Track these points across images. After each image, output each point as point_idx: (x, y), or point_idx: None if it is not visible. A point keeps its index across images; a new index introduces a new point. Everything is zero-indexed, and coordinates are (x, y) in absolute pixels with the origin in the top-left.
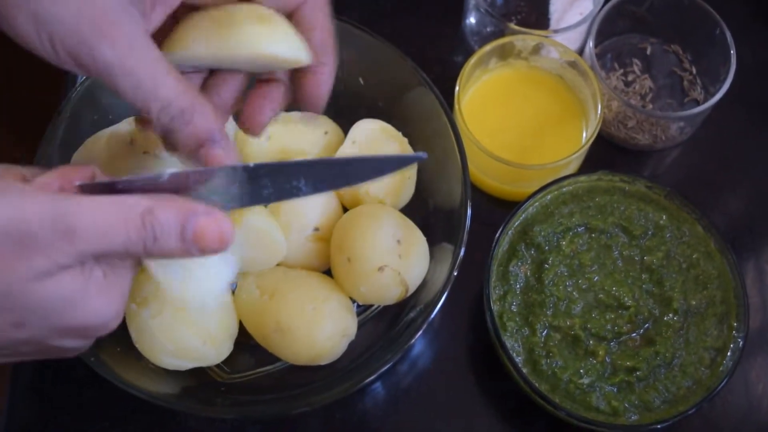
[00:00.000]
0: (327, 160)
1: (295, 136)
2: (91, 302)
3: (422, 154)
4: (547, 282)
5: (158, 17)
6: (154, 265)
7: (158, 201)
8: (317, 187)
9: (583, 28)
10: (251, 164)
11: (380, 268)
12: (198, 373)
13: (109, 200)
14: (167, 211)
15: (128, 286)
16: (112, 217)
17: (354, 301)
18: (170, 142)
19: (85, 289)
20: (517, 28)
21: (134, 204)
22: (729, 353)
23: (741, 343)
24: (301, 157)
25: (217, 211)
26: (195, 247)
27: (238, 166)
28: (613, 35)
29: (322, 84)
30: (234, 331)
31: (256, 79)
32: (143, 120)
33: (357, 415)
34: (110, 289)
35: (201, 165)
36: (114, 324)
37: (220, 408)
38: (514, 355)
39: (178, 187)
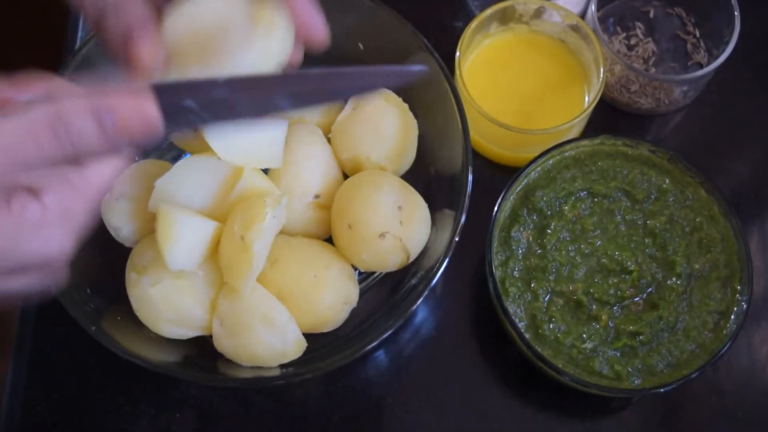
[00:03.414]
0: (309, 72)
1: None
2: (27, 243)
3: (419, 68)
4: (549, 247)
5: None
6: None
7: (65, 102)
8: (299, 103)
9: None
10: (226, 77)
11: (381, 235)
12: (199, 341)
13: (14, 118)
14: (76, 111)
15: (80, 216)
16: (18, 134)
17: (356, 269)
18: (102, 38)
19: (17, 229)
20: None
21: (40, 113)
22: (733, 317)
23: (744, 306)
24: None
25: (133, 87)
26: (122, 140)
27: (213, 79)
28: None
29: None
30: None
31: None
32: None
33: (360, 383)
34: (52, 225)
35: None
36: (60, 259)
37: (222, 376)
38: (517, 320)
39: None
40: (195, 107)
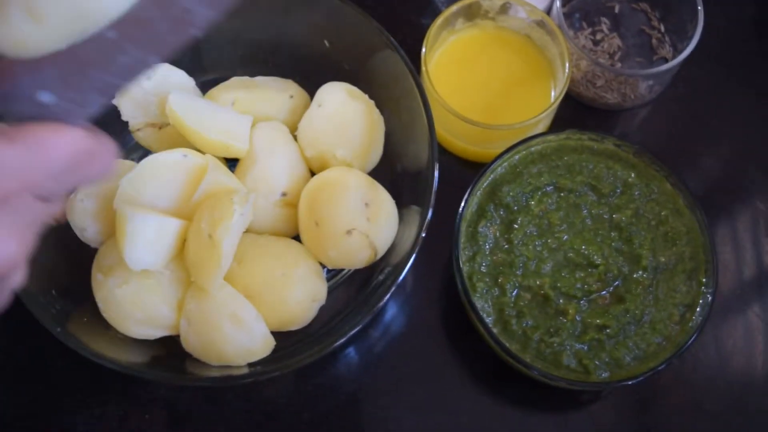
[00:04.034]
0: None
1: (260, 101)
2: None
3: None
4: (516, 242)
5: None
6: None
7: None
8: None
9: None
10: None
11: (348, 232)
12: (168, 341)
13: None
14: None
15: (25, 205)
16: None
17: (324, 266)
18: None
19: None
20: None
21: None
22: (698, 309)
23: (710, 298)
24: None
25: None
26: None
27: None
28: None
29: None
30: None
31: None
32: None
33: (330, 380)
34: None
35: None
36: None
37: (191, 376)
38: (485, 315)
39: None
40: (116, 36)
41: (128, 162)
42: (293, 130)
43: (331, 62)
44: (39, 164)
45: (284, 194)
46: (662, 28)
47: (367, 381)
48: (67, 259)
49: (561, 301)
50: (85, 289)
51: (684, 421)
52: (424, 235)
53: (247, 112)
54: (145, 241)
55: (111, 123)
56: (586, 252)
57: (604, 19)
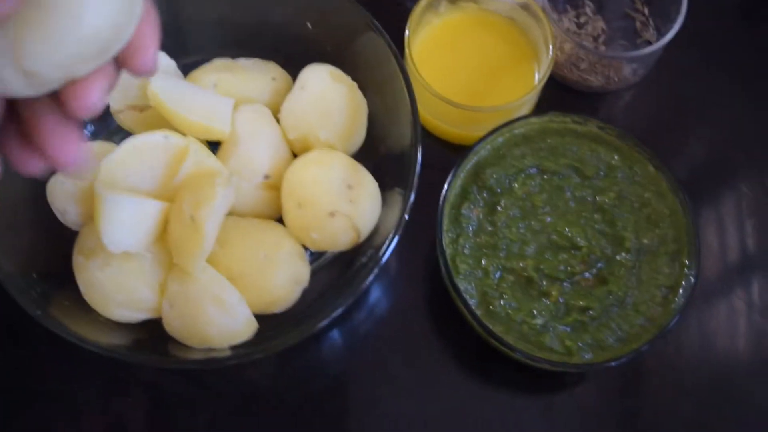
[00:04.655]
0: None
1: (243, 83)
2: None
3: None
4: (499, 224)
5: None
6: None
7: None
8: None
9: None
10: None
11: (331, 214)
12: (150, 324)
13: None
14: None
15: None
16: None
17: (306, 249)
18: None
19: None
20: None
21: None
22: (681, 291)
23: (693, 280)
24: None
25: None
26: None
27: None
28: None
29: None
30: None
31: None
32: None
33: (314, 363)
34: None
35: None
36: None
37: (174, 358)
38: (468, 297)
39: None
40: None
41: (109, 144)
42: (276, 113)
43: (314, 44)
44: None
45: (267, 177)
46: (646, 12)
47: (351, 364)
48: (48, 242)
49: (544, 283)
50: (67, 272)
51: (667, 403)
52: (407, 217)
53: (229, 94)
54: (123, 223)
55: None
56: (569, 234)
57: (588, 2)
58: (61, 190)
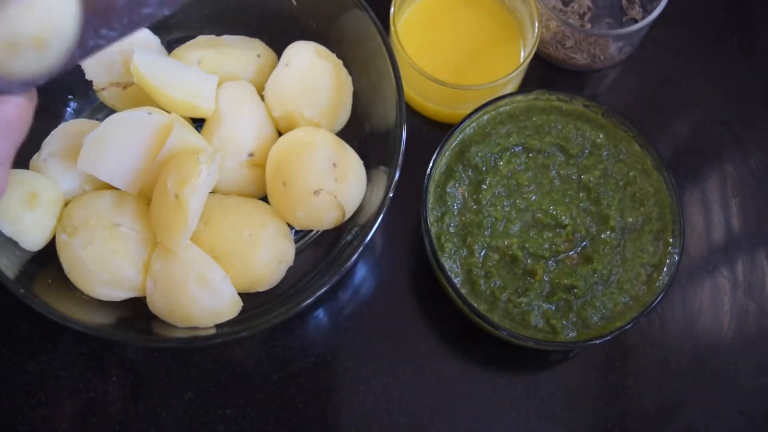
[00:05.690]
0: None
1: (227, 60)
2: None
3: None
4: (484, 202)
5: None
6: None
7: None
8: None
9: None
10: None
11: (316, 192)
12: (134, 303)
13: None
14: None
15: None
16: None
17: (291, 228)
18: None
19: None
20: None
21: None
22: (665, 269)
23: (677, 258)
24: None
25: None
26: None
27: None
28: None
29: None
30: None
31: None
32: None
33: (299, 342)
34: None
35: None
36: None
37: (158, 337)
38: (453, 276)
39: None
40: None
41: (92, 122)
42: (260, 90)
43: (299, 21)
44: None
45: (251, 155)
46: None
47: (336, 342)
48: None
49: (529, 261)
50: (49, 251)
51: (651, 381)
52: (392, 195)
53: (214, 71)
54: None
55: (75, 82)
56: (554, 212)
57: None
58: (45, 167)
